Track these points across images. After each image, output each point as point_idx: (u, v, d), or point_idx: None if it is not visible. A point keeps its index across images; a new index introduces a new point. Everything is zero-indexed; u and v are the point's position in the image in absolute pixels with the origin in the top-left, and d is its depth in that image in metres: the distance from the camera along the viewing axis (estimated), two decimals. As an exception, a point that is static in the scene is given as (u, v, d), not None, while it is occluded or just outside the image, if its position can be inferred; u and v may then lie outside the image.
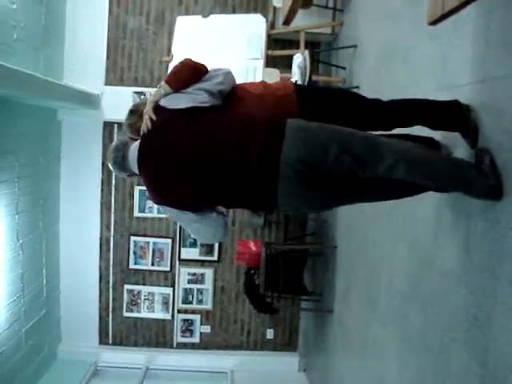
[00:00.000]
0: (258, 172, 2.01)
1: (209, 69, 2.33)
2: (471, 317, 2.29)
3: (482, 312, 2.19)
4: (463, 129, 2.37)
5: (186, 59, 2.30)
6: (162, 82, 2.26)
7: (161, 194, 2.26)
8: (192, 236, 2.47)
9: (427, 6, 1.72)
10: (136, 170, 2.30)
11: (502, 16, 2.16)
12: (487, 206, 2.18)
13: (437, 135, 2.52)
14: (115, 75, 6.04)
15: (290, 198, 2.06)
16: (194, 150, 2.11)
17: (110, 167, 2.43)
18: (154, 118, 2.22)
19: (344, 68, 4.97)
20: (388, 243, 3.52)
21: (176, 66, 2.29)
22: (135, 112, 2.52)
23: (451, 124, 2.41)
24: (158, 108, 2.24)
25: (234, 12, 5.93)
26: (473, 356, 2.25)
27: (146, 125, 2.24)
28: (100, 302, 6.38)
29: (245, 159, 2.03)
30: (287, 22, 1.82)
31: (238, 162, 2.04)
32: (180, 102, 2.20)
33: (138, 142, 2.29)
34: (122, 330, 6.48)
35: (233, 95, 2.35)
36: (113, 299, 6.38)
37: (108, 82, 6.00)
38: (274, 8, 5.49)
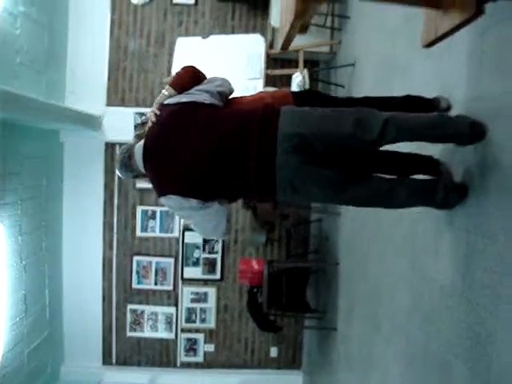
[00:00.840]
0: (257, 149, 2.13)
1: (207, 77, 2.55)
2: (473, 334, 2.29)
3: (484, 329, 2.20)
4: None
5: (187, 66, 2.51)
6: (167, 86, 2.45)
7: (166, 183, 2.33)
8: (194, 229, 2.48)
9: (422, 30, 1.76)
10: (142, 167, 2.39)
11: (494, 36, 2.20)
12: (486, 222, 2.20)
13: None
14: (116, 96, 6.10)
15: (286, 172, 2.13)
16: (197, 134, 2.24)
17: (117, 170, 2.53)
18: (158, 112, 2.40)
19: (343, 86, 5.02)
20: (389, 260, 3.52)
21: (178, 72, 2.50)
22: (145, 124, 2.65)
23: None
24: (162, 107, 2.42)
25: (233, 32, 6.01)
26: (475, 373, 2.25)
27: (150, 119, 2.43)
28: (103, 321, 6.37)
29: (244, 138, 2.17)
30: (285, 47, 1.89)
31: (238, 141, 2.17)
32: (182, 99, 2.37)
33: (143, 140, 2.42)
34: (125, 350, 6.46)
35: (231, 100, 2.56)
36: (116, 319, 6.37)
37: (109, 103, 6.06)
38: (273, 28, 5.56)
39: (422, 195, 2.33)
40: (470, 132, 2.24)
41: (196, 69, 2.50)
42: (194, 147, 2.24)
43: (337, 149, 2.18)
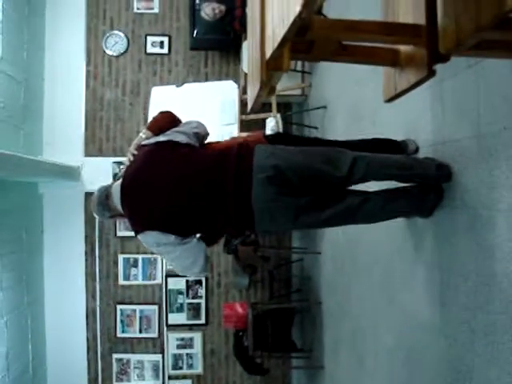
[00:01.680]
0: (234, 183, 2.21)
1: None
2: (453, 370, 2.35)
3: (463, 365, 2.26)
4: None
5: (164, 110, 2.62)
6: (144, 129, 2.55)
7: (143, 219, 2.36)
8: (172, 266, 2.50)
9: (382, 85, 1.88)
10: (119, 206, 2.42)
11: (451, 85, 2.35)
12: (457, 261, 2.29)
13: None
14: (94, 146, 6.16)
15: (263, 203, 2.20)
16: (174, 172, 2.32)
17: (94, 209, 2.55)
18: (135, 152, 2.47)
19: (316, 128, 5.16)
20: (369, 298, 3.59)
21: (156, 116, 2.62)
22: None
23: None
24: (140, 147, 2.49)
25: (206, 80, 6.15)
26: (458, 409, 2.30)
27: (128, 159, 2.50)
28: (89, 373, 6.24)
29: (221, 173, 2.25)
30: (253, 110, 2.01)
31: (215, 177, 2.25)
32: (159, 139, 2.45)
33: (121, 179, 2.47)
34: (112, 402, 6.34)
35: (207, 145, 2.61)
36: (102, 370, 6.26)
37: (87, 154, 6.10)
38: (245, 73, 5.72)
39: (398, 198, 2.40)
40: (436, 174, 2.35)
41: (172, 113, 2.60)
42: (171, 184, 2.31)
43: (311, 181, 2.27)
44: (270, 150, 2.27)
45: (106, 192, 2.49)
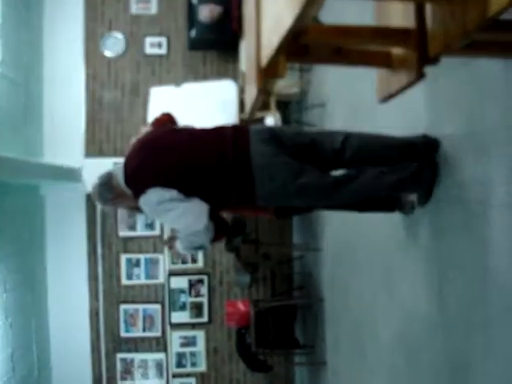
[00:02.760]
0: (232, 142, 2.38)
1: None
2: (451, 361, 2.39)
3: (461, 356, 2.30)
4: None
5: (165, 112, 2.89)
6: (147, 126, 2.85)
7: (146, 181, 2.44)
8: (175, 226, 2.59)
9: (375, 86, 1.92)
10: (122, 181, 2.50)
11: (446, 82, 2.39)
12: (453, 255, 2.33)
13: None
14: (94, 147, 6.20)
15: (262, 158, 2.33)
16: (177, 136, 2.56)
17: (95, 193, 2.62)
18: (139, 136, 2.71)
19: (315, 125, 5.19)
20: (369, 293, 3.63)
21: (157, 116, 2.87)
22: None
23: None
24: None
25: (205, 79, 6.17)
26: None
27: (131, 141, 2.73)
28: (93, 373, 6.29)
29: (219, 137, 2.45)
30: (251, 115, 2.09)
31: (214, 137, 2.46)
32: None
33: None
34: (116, 401, 6.39)
35: None
36: (106, 369, 6.31)
37: (88, 155, 6.15)
38: (244, 73, 5.75)
39: (395, 172, 2.43)
40: (423, 140, 2.44)
41: (172, 115, 2.86)
42: (172, 145, 2.49)
43: (305, 150, 2.42)
44: (264, 125, 2.49)
45: (108, 174, 2.59)
